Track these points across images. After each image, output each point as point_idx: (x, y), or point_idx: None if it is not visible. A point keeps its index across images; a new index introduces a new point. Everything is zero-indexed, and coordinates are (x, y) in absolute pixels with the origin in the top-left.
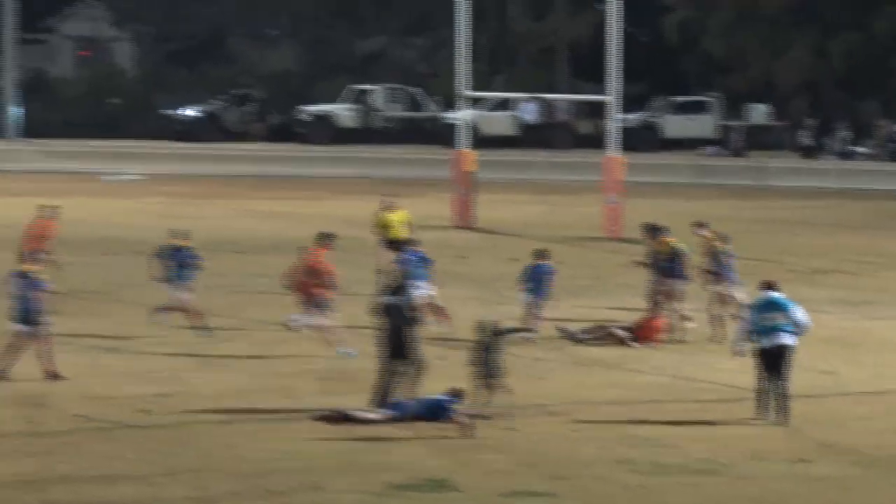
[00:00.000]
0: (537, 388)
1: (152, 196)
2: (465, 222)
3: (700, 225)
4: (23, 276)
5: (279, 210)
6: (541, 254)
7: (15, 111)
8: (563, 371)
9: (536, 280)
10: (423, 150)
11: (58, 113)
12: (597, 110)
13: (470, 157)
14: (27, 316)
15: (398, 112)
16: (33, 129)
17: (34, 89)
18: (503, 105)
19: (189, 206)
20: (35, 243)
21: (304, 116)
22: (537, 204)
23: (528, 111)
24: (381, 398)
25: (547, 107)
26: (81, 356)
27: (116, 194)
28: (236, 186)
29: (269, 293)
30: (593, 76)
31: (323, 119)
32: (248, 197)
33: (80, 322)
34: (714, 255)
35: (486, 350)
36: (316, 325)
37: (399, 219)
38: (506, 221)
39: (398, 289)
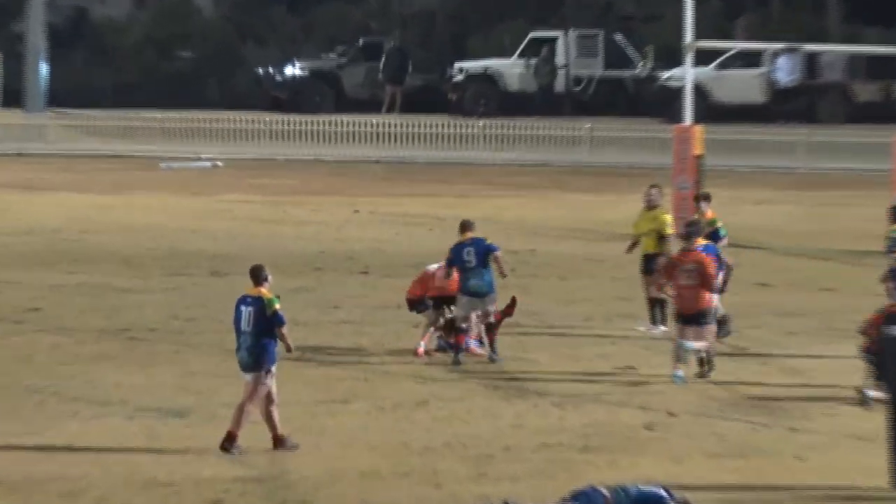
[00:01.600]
0: (804, 464)
1: (238, 191)
2: None
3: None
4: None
5: (421, 211)
6: None
7: (42, 71)
8: (836, 445)
9: None
10: (629, 126)
11: (105, 72)
12: (883, 68)
13: (698, 135)
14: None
15: (593, 70)
16: (68, 95)
17: (72, 39)
18: (748, 61)
19: (294, 206)
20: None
21: (457, 77)
22: (795, 203)
23: (784, 69)
24: None
25: (810, 63)
26: (133, 424)
27: (184, 189)
28: (360, 178)
29: (410, 328)
30: (878, 19)
31: (484, 81)
32: (378, 193)
33: (126, 376)
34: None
35: None
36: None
37: (647, 223)
38: (748, 228)
39: None
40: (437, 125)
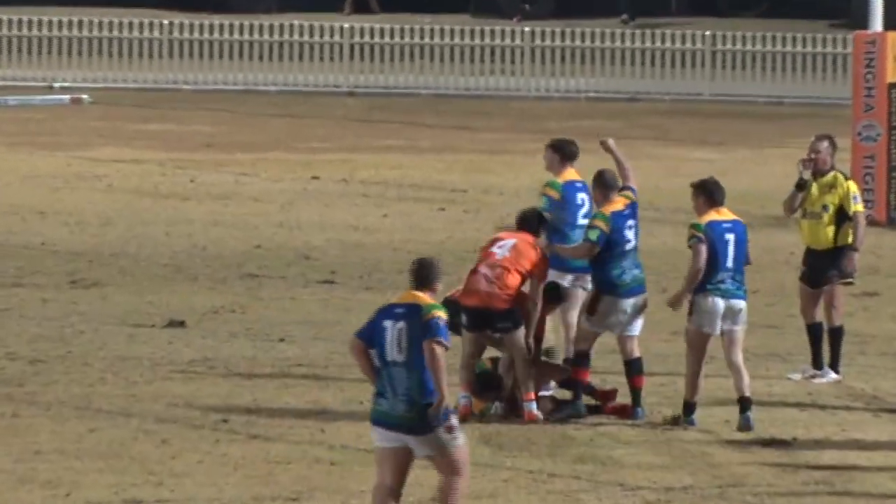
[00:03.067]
0: None
1: (116, 144)
2: (878, 210)
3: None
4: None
5: (425, 178)
6: None
7: None
8: None
9: None
10: (776, 33)
11: None
12: None
13: (893, 48)
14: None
15: None
16: None
17: None
18: None
19: (210, 169)
20: None
21: None
22: None
23: None
24: None
25: None
26: None
27: (26, 141)
28: (322, 121)
29: None
30: None
31: None
32: (352, 147)
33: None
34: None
35: None
36: None
37: (816, 197)
38: None
39: None
40: (450, 33)
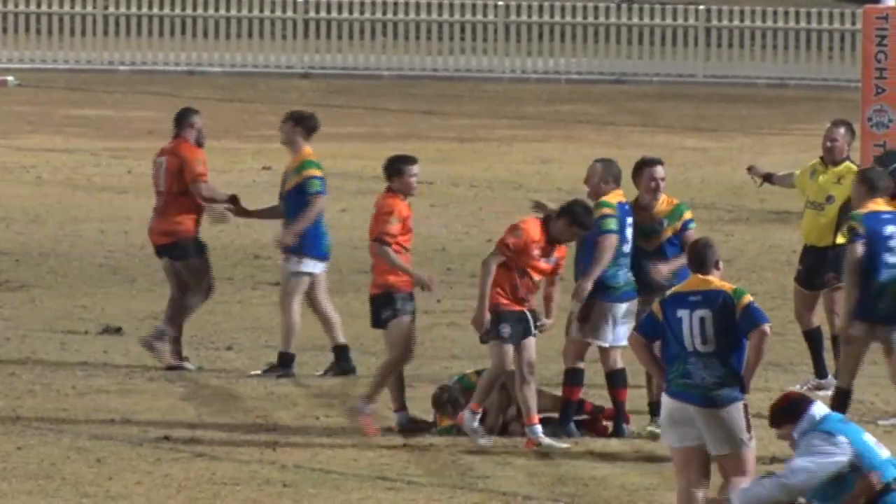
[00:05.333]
0: None
1: (46, 132)
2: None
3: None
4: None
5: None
6: None
7: None
8: None
9: None
10: (776, 9)
11: None
12: None
13: None
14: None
15: None
16: None
17: None
18: None
19: (150, 159)
20: None
21: None
22: None
23: None
24: None
25: None
26: None
27: None
28: (273, 105)
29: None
30: None
31: None
32: (321, 135)
33: None
34: None
35: None
36: None
37: (826, 187)
38: None
39: None
40: (416, 7)
